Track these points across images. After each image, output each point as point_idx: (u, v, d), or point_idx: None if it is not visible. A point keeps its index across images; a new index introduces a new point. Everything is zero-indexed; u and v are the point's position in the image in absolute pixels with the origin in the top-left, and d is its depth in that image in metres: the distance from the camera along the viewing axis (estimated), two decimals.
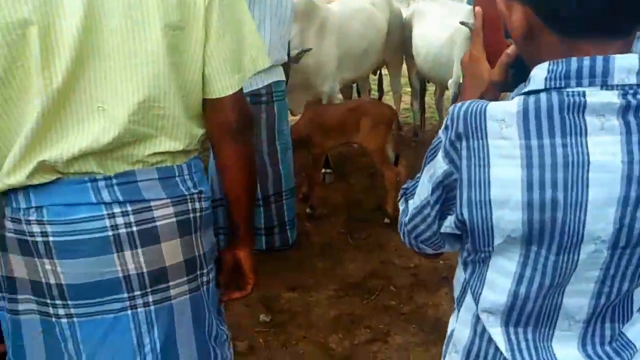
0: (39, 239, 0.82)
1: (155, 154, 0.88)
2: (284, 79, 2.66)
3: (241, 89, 0.94)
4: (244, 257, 1.06)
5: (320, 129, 3.04)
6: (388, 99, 5.24)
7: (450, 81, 3.77)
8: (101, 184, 0.84)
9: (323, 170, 3.49)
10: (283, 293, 2.32)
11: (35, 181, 0.80)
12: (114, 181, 0.85)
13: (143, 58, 0.82)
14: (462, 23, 3.20)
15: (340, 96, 3.71)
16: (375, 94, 5.13)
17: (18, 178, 0.80)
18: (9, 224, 0.84)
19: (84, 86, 0.80)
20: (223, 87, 0.92)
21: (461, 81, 2.91)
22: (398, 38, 4.17)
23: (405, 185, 0.85)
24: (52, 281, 0.83)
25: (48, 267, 0.83)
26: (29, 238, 0.82)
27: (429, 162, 0.73)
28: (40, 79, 0.76)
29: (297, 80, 3.20)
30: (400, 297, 2.32)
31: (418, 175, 0.80)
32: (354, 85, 4.56)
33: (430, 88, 4.98)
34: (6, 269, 0.87)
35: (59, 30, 0.76)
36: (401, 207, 0.85)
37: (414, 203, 0.77)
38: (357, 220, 3.06)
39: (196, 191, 0.94)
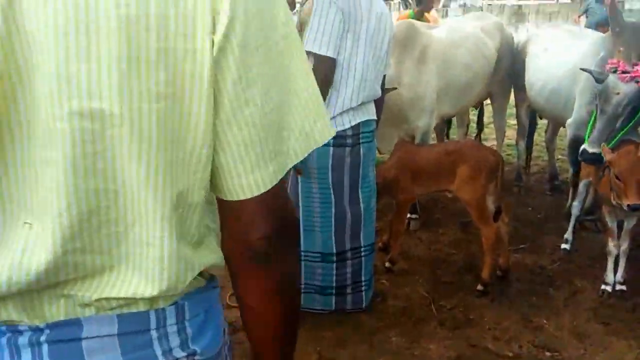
0: None
1: (110, 298, 0.55)
2: (375, 117, 2.33)
3: (281, 183, 0.58)
4: None
5: (410, 173, 2.67)
6: (488, 132, 4.72)
7: (569, 120, 3.21)
8: (22, 340, 0.53)
9: (408, 216, 3.11)
10: None
11: None
12: (45, 335, 0.53)
13: None
14: (586, 70, 2.61)
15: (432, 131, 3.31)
16: (473, 126, 4.63)
17: None
18: None
19: (3, 187, 0.51)
20: (244, 184, 0.55)
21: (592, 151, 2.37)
22: (508, 67, 3.68)
23: None
24: None
25: None
26: None
27: None
28: None
29: (388, 114, 2.86)
30: None
31: None
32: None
33: (541, 122, 4.38)
34: None
35: None
36: None
37: None
38: (444, 282, 2.64)
39: (184, 354, 0.58)
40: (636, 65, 2.44)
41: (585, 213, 3.28)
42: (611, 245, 2.53)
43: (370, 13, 2.12)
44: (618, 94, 2.41)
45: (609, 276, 2.54)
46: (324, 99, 2.10)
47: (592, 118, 2.66)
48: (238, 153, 0.54)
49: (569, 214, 3.10)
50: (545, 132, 4.11)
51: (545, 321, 2.35)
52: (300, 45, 0.57)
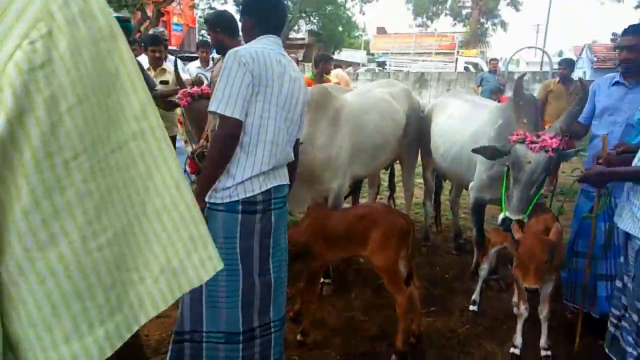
0: None
1: None
2: (288, 182, 2.23)
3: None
4: None
5: (322, 237, 2.58)
6: (398, 189, 4.85)
7: (471, 184, 3.38)
8: None
9: (321, 280, 3.00)
10: None
11: None
12: None
13: None
14: (477, 151, 2.77)
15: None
16: (383, 184, 4.74)
17: None
18: None
19: None
20: None
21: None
22: (415, 132, 3.84)
23: None
24: None
25: None
26: None
27: None
28: None
29: (302, 175, 2.79)
30: None
31: None
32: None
33: (446, 183, 4.59)
34: None
35: None
36: None
37: None
38: (358, 354, 2.52)
39: None
40: (541, 135, 2.60)
41: (490, 272, 3.40)
42: (522, 307, 2.57)
43: (283, 77, 2.06)
44: (530, 162, 2.56)
45: (518, 339, 2.58)
46: (227, 162, 1.96)
47: (504, 186, 2.77)
48: (40, 317, 0.34)
49: (475, 273, 3.18)
50: (450, 192, 4.30)
51: None
52: (167, 145, 0.39)
